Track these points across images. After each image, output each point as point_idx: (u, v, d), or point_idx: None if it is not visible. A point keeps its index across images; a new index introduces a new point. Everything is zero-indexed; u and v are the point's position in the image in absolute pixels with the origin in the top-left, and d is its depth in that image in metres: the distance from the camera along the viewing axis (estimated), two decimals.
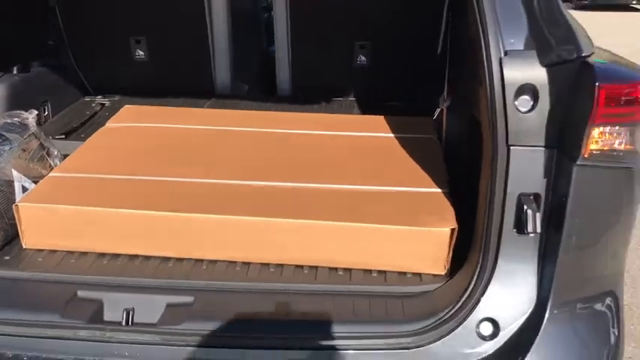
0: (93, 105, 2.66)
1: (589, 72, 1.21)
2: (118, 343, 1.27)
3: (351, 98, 2.80)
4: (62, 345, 1.28)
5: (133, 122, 2.22)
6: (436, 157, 1.95)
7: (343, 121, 2.31)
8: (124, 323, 1.31)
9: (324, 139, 2.11)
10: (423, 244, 1.42)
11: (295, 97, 2.69)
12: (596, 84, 1.18)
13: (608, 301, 1.29)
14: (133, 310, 1.32)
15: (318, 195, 1.64)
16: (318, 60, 2.70)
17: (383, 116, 2.23)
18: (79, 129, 2.42)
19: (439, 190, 1.49)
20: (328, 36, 2.59)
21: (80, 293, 1.39)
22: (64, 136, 2.31)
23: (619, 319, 1.32)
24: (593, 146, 1.22)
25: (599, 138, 1.22)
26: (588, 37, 1.32)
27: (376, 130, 2.08)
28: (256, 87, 2.94)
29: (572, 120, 1.22)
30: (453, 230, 1.37)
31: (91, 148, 2.03)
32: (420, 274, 1.44)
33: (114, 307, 1.33)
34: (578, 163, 1.21)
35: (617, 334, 1.31)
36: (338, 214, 1.52)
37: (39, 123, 2.12)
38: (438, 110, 2.28)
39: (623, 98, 1.21)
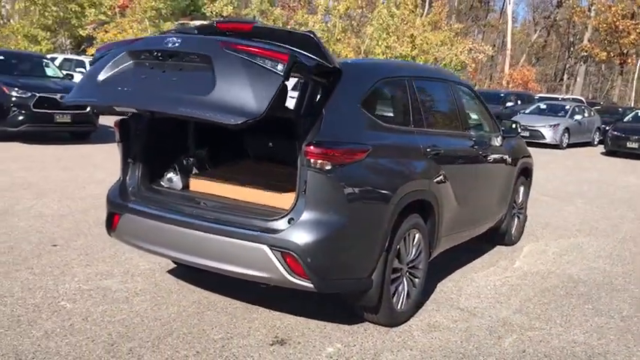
0: None
1: (312, 143, 3.44)
2: (200, 210, 3.88)
3: None
4: (187, 208, 3.90)
5: None
6: None
7: None
8: (203, 204, 3.96)
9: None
10: (285, 200, 3.68)
11: None
12: (308, 146, 3.43)
13: (325, 214, 3.51)
14: (205, 203, 3.97)
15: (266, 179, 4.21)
16: None
17: None
18: None
19: None
20: None
21: (196, 198, 4.08)
22: None
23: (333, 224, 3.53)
24: (311, 164, 3.44)
25: (312, 161, 3.41)
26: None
27: None
28: None
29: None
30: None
31: None
32: (281, 208, 3.67)
33: (201, 203, 3.97)
34: (307, 170, 3.43)
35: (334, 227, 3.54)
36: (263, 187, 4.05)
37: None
38: None
39: (319, 152, 3.41)
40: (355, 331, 3.99)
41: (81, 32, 28.42)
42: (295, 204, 3.47)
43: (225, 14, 27.14)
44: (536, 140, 18.88)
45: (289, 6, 32.79)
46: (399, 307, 4.08)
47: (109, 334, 3.70)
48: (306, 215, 3.43)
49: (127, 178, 4.14)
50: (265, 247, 3.43)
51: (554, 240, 6.98)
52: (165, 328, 3.84)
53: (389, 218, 3.77)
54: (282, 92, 3.55)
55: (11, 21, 30.00)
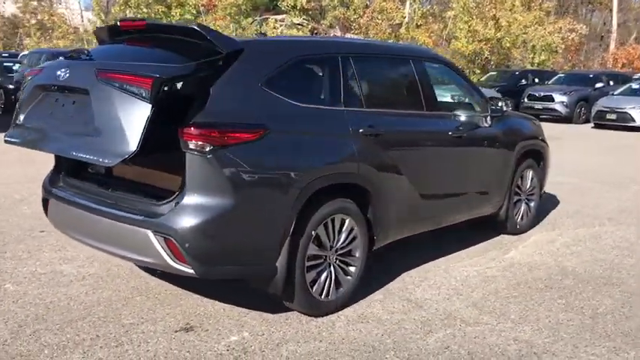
0: None
1: (190, 125, 3.30)
2: (105, 194, 3.90)
3: None
4: (96, 193, 3.96)
5: None
6: None
7: None
8: (110, 190, 3.92)
9: None
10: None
11: None
12: (187, 127, 3.29)
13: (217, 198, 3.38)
14: (114, 187, 3.95)
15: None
16: None
17: None
18: None
19: None
20: None
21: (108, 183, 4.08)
22: None
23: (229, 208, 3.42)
24: (189, 146, 3.31)
25: (190, 143, 3.30)
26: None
27: None
28: None
29: None
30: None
31: None
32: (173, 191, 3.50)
33: (110, 188, 3.95)
34: (186, 152, 3.30)
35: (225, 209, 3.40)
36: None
37: None
38: None
39: (196, 134, 3.28)
40: (276, 321, 3.85)
41: None
42: (181, 188, 3.41)
43: (298, 7, 27.30)
44: (624, 123, 17.31)
45: None
46: (322, 296, 3.89)
47: (27, 315, 3.82)
48: (186, 199, 3.35)
49: (59, 164, 4.25)
50: (149, 232, 3.39)
51: (574, 229, 6.36)
52: (84, 311, 3.91)
53: (292, 202, 3.58)
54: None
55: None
